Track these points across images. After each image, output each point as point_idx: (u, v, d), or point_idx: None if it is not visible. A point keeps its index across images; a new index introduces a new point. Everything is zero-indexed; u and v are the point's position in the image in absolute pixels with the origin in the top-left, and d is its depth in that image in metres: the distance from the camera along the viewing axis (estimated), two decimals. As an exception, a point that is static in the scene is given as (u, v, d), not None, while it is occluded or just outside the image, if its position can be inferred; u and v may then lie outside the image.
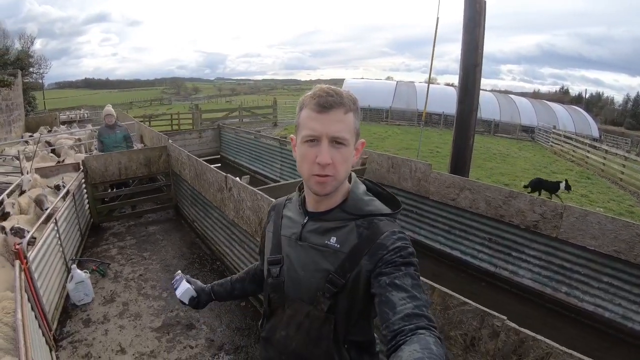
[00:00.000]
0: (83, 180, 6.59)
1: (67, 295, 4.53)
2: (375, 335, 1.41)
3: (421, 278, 2.11)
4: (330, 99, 1.17)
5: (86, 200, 6.73)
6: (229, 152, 11.71)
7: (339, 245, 1.25)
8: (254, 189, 4.01)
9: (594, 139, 24.99)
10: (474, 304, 2.06)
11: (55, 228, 4.60)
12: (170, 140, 7.52)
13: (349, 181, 1.35)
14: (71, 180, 6.24)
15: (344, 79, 39.20)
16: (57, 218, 4.70)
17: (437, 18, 7.20)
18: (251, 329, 4.11)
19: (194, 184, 5.97)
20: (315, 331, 1.28)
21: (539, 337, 1.88)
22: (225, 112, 23.07)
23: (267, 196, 3.76)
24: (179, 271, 1.76)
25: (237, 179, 4.51)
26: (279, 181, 8.71)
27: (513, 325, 1.95)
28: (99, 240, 6.33)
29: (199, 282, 1.73)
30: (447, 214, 5.54)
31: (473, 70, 5.22)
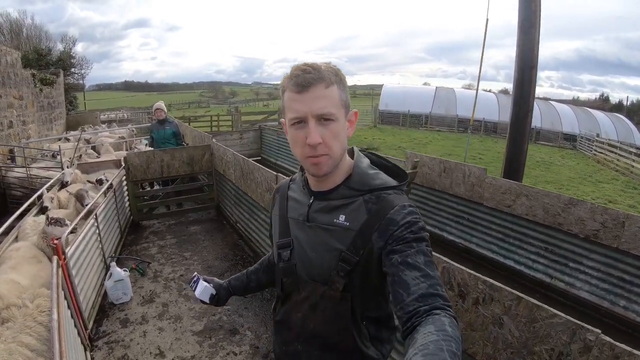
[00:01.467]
0: (124, 177, 6.63)
1: (105, 294, 4.49)
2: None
3: (501, 286, 1.95)
4: (308, 76, 1.14)
5: (126, 197, 6.78)
6: (270, 154, 11.71)
7: (348, 223, 1.23)
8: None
9: (638, 148, 24.15)
10: (564, 316, 1.92)
11: (95, 224, 4.61)
12: (214, 139, 7.49)
13: (352, 156, 1.34)
14: (112, 177, 6.28)
15: (382, 85, 38.99)
16: (97, 214, 4.70)
17: (487, 19, 6.97)
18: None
19: (239, 183, 5.91)
20: (331, 310, 1.28)
21: (635, 352, 1.74)
22: (264, 114, 23.14)
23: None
24: (195, 272, 1.74)
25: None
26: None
27: (608, 339, 1.81)
28: (139, 239, 6.35)
29: (216, 279, 1.71)
30: (501, 221, 5.34)
31: (529, 72, 5.05)
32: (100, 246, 4.73)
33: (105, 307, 4.38)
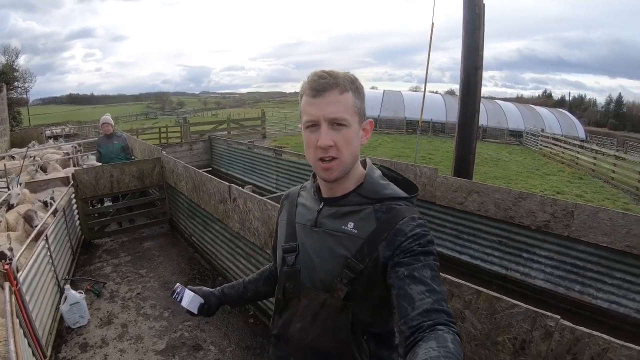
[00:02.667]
0: (73, 195, 6.38)
1: (61, 318, 4.27)
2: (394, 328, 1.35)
3: (461, 282, 1.97)
4: (323, 81, 1.17)
5: (77, 216, 6.51)
6: (221, 164, 11.58)
7: (356, 231, 1.23)
8: (264, 198, 3.86)
9: (582, 140, 25.23)
10: (524, 305, 1.97)
11: (46, 246, 4.39)
12: (164, 152, 7.31)
13: (364, 167, 1.34)
14: (61, 195, 6.04)
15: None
16: (48, 235, 4.48)
17: (432, 23, 7.12)
18: (263, 347, 3.93)
19: (192, 196, 5.78)
20: (331, 321, 1.25)
21: (595, 333, 1.80)
22: (213, 124, 22.90)
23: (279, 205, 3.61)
24: (178, 283, 1.65)
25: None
26: (275, 192, 8.51)
27: (568, 323, 1.88)
28: (92, 258, 6.10)
29: (204, 288, 1.64)
30: (454, 218, 5.42)
31: (474, 73, 5.17)
32: (52, 268, 4.51)
33: (63, 332, 4.17)
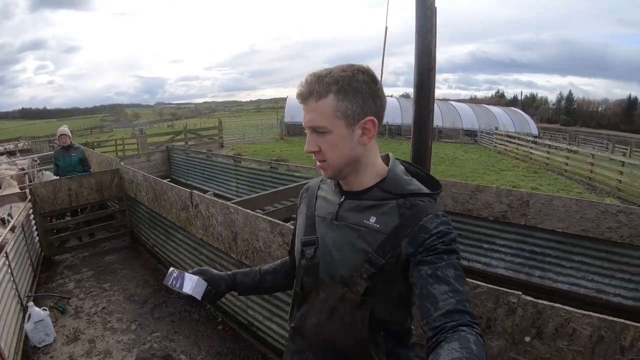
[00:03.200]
0: (31, 210, 6.18)
1: (26, 337, 4.11)
2: (412, 326, 1.35)
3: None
4: (302, 89, 1.18)
5: (35, 232, 6.30)
6: (180, 175, 11.41)
7: (378, 225, 1.20)
8: (226, 202, 3.87)
9: (535, 137, 26.09)
10: (486, 285, 2.06)
11: (7, 263, 4.24)
12: (122, 163, 7.18)
13: (387, 162, 1.31)
14: (19, 211, 5.86)
15: (287, 97, 39.43)
16: (8, 252, 4.33)
17: (386, 28, 7.22)
18: (234, 353, 3.92)
19: (153, 206, 5.70)
20: (349, 316, 1.22)
21: (556, 305, 1.90)
22: (170, 135, 22.63)
23: (242, 208, 3.63)
24: (172, 267, 1.45)
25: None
26: (235, 199, 8.53)
27: (530, 298, 1.98)
28: (54, 275, 5.90)
29: (209, 270, 1.47)
30: (414, 214, 5.48)
31: (428, 74, 5.25)
32: (14, 286, 4.34)
33: (29, 352, 4.02)
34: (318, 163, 1.23)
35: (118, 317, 4.64)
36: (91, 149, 12.02)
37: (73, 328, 4.43)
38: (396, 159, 1.35)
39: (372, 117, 1.20)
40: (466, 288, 1.05)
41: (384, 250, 1.17)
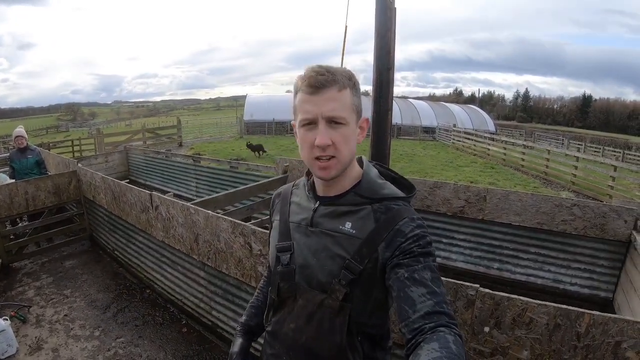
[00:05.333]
0: (-13, 216, 5.97)
1: None
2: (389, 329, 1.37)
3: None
4: (321, 77, 1.13)
5: (-9, 238, 6.10)
6: (139, 175, 11.25)
7: (354, 231, 1.20)
8: (186, 203, 3.85)
9: (492, 133, 26.75)
10: (445, 278, 2.09)
11: (-36, 272, 4.13)
12: (79, 164, 7.01)
13: (361, 166, 1.31)
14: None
15: (246, 95, 39.34)
16: (-35, 260, 4.22)
17: (346, 27, 7.31)
18: (200, 355, 3.90)
19: (112, 208, 5.59)
20: (328, 322, 1.21)
21: (513, 296, 1.98)
22: (128, 135, 22.16)
23: (203, 209, 3.62)
24: None
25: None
26: (195, 199, 8.47)
27: (487, 290, 2.05)
28: (12, 283, 5.69)
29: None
30: (374, 212, 5.57)
31: (387, 72, 5.36)
32: None
33: None
34: (319, 162, 1.17)
35: (81, 323, 4.53)
36: (47, 150, 11.69)
37: (35, 337, 4.30)
38: (369, 161, 1.36)
39: (367, 117, 1.26)
40: (443, 290, 1.07)
41: (361, 256, 1.17)
